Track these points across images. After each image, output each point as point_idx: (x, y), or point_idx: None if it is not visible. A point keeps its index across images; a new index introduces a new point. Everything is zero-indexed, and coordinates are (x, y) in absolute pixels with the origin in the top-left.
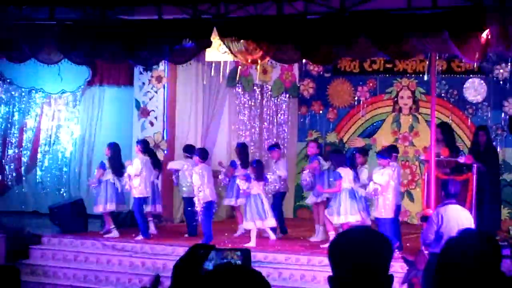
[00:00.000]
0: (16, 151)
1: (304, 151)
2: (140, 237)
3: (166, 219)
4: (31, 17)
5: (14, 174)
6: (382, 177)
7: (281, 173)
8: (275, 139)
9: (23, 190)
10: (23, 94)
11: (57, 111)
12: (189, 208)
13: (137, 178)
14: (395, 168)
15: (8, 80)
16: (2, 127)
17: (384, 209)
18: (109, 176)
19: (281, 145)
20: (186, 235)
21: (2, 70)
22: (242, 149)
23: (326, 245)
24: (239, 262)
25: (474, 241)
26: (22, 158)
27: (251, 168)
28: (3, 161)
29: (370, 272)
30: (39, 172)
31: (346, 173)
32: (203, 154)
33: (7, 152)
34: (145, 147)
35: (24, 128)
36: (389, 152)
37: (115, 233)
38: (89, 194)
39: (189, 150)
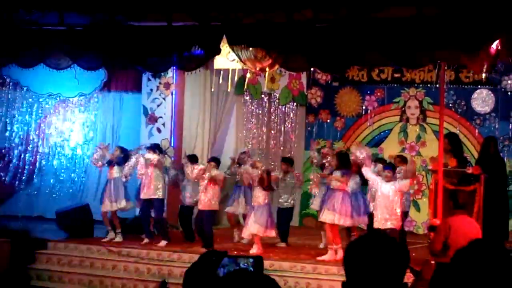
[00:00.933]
0: (29, 155)
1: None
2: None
3: (172, 226)
4: (40, 23)
5: (23, 178)
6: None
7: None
8: (281, 148)
9: (30, 194)
10: (40, 100)
11: (69, 115)
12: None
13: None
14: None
15: (25, 88)
16: (20, 133)
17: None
18: (117, 174)
19: (287, 153)
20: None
21: (18, 78)
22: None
23: (323, 257)
24: (251, 269)
25: (484, 252)
26: (36, 163)
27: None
28: (10, 165)
29: (385, 279)
30: (47, 177)
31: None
32: (218, 162)
33: (22, 156)
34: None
35: (37, 133)
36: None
37: (110, 235)
38: (96, 199)
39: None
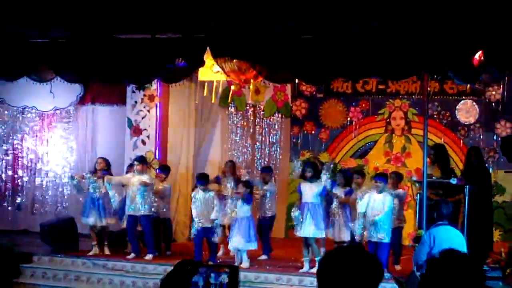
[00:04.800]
0: (10, 170)
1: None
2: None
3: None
4: (23, 35)
5: (7, 193)
6: (360, 203)
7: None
8: (267, 159)
9: (14, 208)
10: (15, 113)
11: (50, 129)
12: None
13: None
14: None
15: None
16: None
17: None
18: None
19: (272, 165)
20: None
21: None
22: (231, 166)
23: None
24: (226, 279)
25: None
26: (15, 177)
27: (244, 189)
28: None
29: None
30: (30, 191)
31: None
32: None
33: (2, 171)
34: None
35: (16, 147)
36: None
37: (94, 250)
38: (78, 212)
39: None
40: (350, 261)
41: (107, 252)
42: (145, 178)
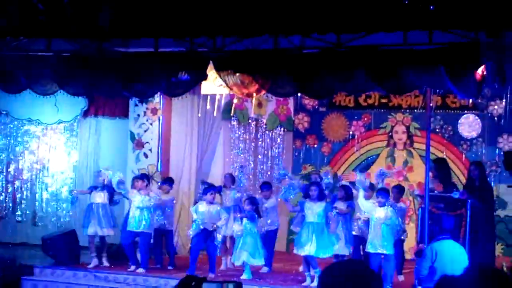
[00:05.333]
0: (12, 182)
1: None
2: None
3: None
4: (27, 48)
5: (9, 205)
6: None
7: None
8: (269, 173)
9: (16, 220)
10: (19, 125)
11: (53, 142)
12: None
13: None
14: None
15: (4, 112)
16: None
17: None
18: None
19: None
20: (170, 267)
21: None
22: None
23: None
24: None
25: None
26: (17, 189)
27: (250, 206)
28: None
29: None
30: (31, 203)
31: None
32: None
33: (3, 183)
34: None
35: (20, 159)
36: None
37: (94, 262)
38: (79, 224)
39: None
40: (350, 275)
41: (106, 263)
42: (146, 198)
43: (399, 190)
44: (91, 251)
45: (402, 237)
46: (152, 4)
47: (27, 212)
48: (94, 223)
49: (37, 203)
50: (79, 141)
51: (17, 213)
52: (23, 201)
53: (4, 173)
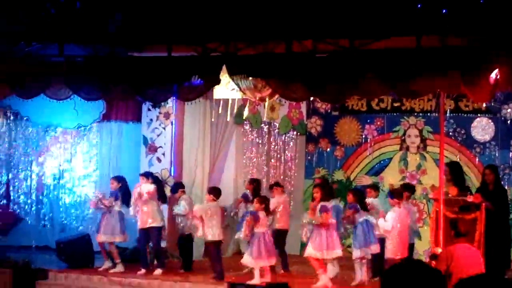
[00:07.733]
0: (31, 185)
1: (311, 189)
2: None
3: (173, 255)
4: (40, 54)
5: (26, 208)
6: (386, 223)
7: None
8: (281, 177)
9: (31, 224)
10: (39, 130)
11: (73, 146)
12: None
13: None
14: (405, 208)
15: (25, 118)
16: (19, 163)
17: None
18: (116, 207)
19: (287, 182)
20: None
21: (18, 108)
22: (256, 184)
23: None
24: None
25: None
26: (37, 193)
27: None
28: (11, 193)
29: None
30: (54, 208)
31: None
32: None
33: (22, 187)
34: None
35: (38, 163)
36: (399, 193)
37: (106, 264)
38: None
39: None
40: (413, 276)
41: (121, 269)
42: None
43: (409, 188)
44: (103, 255)
45: (412, 241)
46: (165, 10)
47: (50, 216)
48: (102, 231)
49: (55, 208)
50: (94, 146)
51: (35, 216)
52: (42, 205)
53: (27, 178)
